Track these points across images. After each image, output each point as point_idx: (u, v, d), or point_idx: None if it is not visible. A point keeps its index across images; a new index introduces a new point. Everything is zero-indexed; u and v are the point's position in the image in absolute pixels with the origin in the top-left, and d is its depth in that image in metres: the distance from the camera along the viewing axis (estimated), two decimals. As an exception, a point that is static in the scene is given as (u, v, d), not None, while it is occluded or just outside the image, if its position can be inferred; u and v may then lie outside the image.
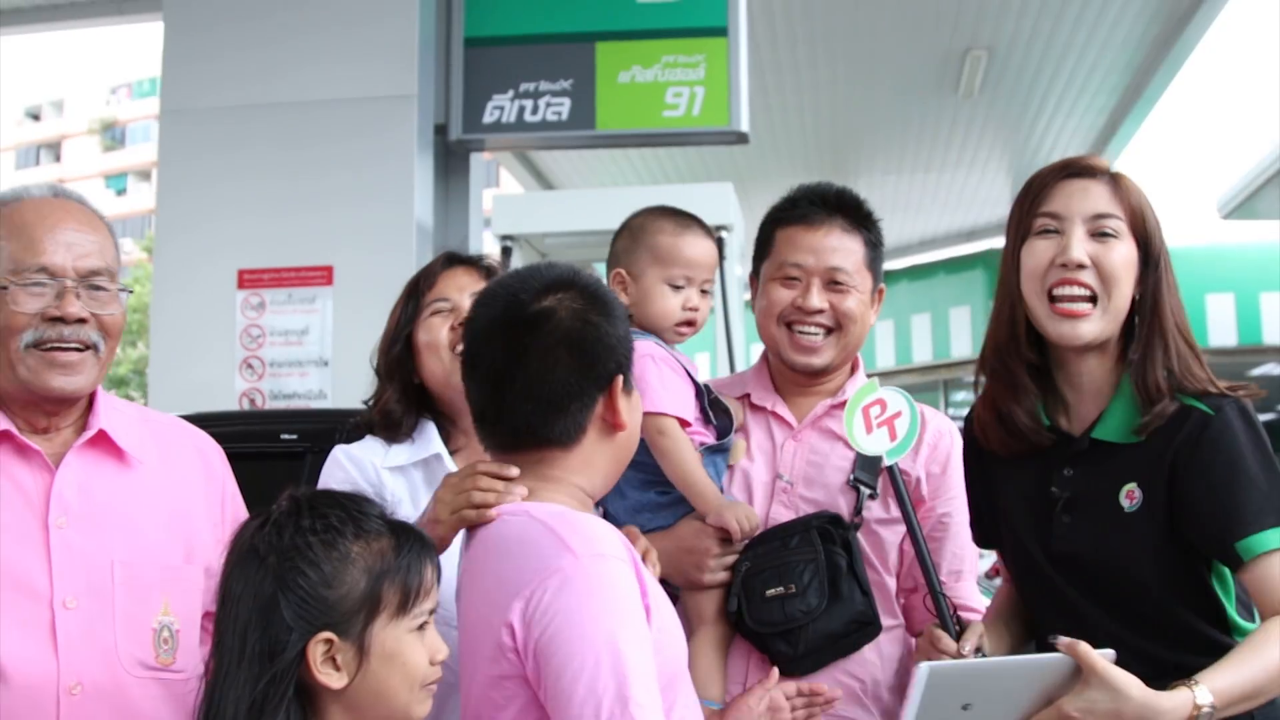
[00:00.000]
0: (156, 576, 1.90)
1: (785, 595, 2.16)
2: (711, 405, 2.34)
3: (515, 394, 1.72)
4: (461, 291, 2.33)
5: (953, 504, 2.36)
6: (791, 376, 2.42)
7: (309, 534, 1.57)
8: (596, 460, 1.78)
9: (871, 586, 2.24)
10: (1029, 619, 2.21)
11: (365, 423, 2.37)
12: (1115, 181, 2.05)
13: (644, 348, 2.22)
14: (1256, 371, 13.08)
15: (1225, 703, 1.78)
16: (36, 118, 61.74)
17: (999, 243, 2.10)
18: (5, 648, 1.74)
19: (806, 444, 2.37)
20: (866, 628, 2.22)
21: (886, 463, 2.15)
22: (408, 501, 2.15)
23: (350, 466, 2.22)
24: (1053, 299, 2.03)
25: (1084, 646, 1.80)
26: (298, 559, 1.55)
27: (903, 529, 2.30)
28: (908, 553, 2.34)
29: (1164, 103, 9.22)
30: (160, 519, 1.94)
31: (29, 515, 1.83)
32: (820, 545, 2.19)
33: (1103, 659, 1.80)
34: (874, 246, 2.38)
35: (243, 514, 2.07)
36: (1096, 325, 2.02)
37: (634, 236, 2.42)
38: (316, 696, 1.54)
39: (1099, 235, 2.01)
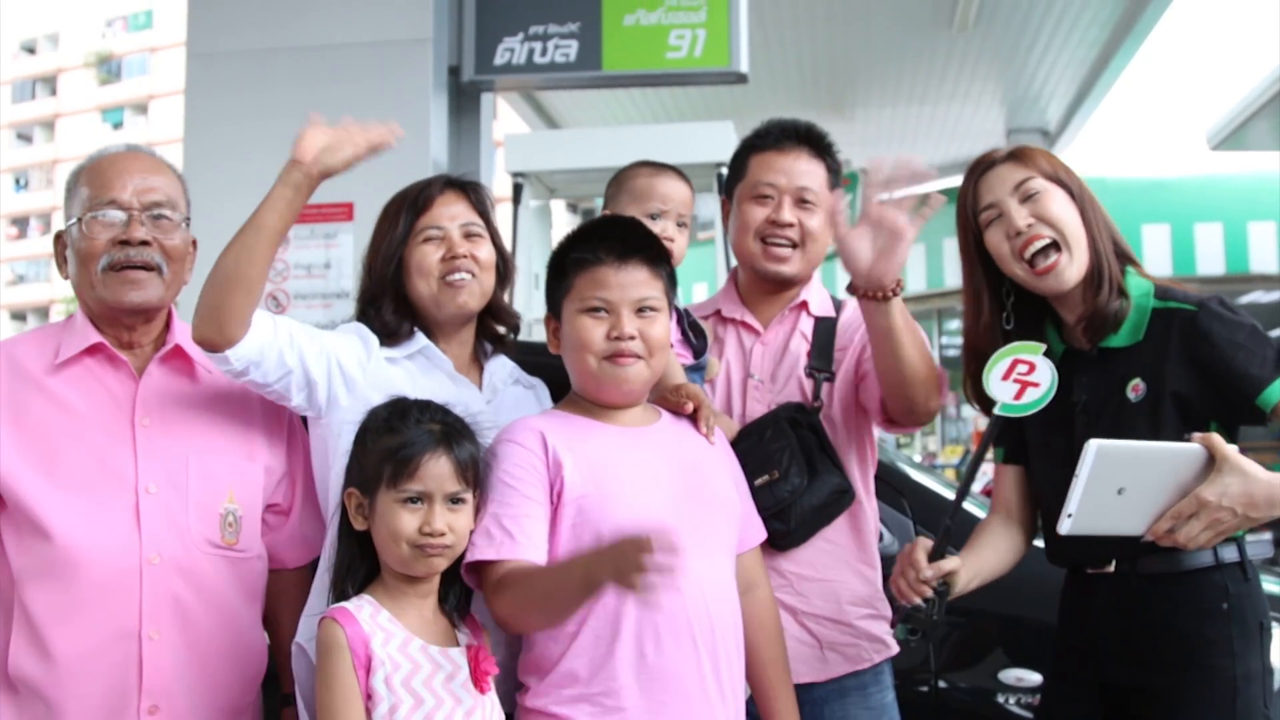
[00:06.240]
0: (223, 470, 2.22)
1: (772, 481, 2.42)
2: (691, 328, 2.59)
3: None
4: (453, 220, 2.43)
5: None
6: (759, 288, 2.68)
7: (383, 419, 2.07)
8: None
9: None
10: (1000, 553, 2.44)
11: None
12: (1018, 155, 2.36)
13: None
14: (1244, 299, 13.25)
15: None
16: (32, 51, 61.07)
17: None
18: (93, 527, 2.06)
19: (772, 345, 2.64)
20: (844, 495, 2.50)
21: (997, 412, 2.21)
22: (409, 390, 2.24)
23: (369, 339, 2.36)
24: (1031, 263, 2.30)
25: (1216, 437, 2.06)
26: (366, 436, 2.07)
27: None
28: (865, 359, 2.52)
29: (1155, 36, 9.33)
30: (225, 423, 2.27)
31: (119, 415, 2.16)
32: (791, 432, 2.47)
33: (1233, 449, 2.05)
34: (835, 173, 2.66)
35: (298, 422, 2.39)
36: (1072, 269, 2.30)
37: (618, 184, 2.74)
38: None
39: (1029, 198, 2.31)
